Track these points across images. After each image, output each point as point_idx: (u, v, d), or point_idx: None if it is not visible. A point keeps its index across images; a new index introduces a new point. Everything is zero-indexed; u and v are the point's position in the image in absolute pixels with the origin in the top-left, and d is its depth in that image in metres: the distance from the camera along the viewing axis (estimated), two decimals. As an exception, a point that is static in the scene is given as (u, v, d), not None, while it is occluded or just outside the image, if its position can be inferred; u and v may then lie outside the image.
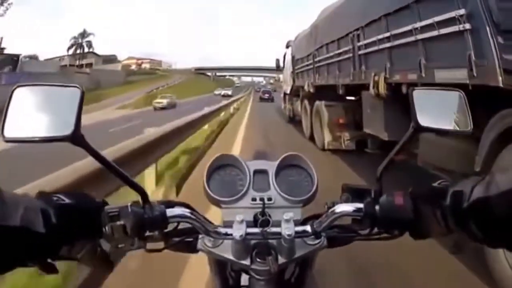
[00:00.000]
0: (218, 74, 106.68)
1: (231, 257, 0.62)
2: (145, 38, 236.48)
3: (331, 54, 6.33)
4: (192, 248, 0.65)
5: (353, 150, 6.18)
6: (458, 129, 0.59)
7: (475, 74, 2.55)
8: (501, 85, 2.30)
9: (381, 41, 4.25)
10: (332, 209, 0.60)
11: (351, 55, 5.31)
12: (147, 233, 0.56)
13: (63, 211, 0.47)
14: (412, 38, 3.50)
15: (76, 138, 0.46)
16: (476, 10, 2.54)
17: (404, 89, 3.75)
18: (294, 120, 11.16)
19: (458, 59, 2.73)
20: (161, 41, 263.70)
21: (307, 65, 8.22)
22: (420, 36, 3.36)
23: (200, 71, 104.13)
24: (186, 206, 0.61)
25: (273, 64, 13.02)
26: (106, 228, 0.52)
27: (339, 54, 5.89)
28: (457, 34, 2.78)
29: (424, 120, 0.55)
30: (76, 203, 0.50)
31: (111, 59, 73.43)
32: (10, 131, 0.47)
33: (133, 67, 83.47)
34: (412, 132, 0.57)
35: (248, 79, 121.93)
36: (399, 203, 0.55)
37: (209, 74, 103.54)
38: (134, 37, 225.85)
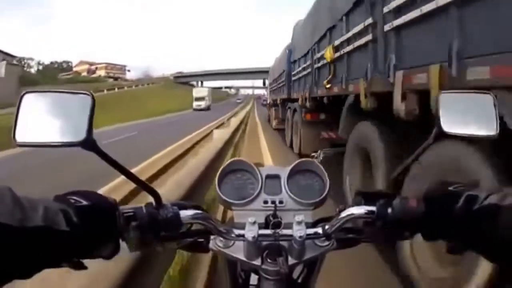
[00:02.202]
0: (210, 85, 76.59)
1: (242, 257, 0.63)
2: (113, 44, 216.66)
3: (276, 83, 13.05)
4: (204, 248, 0.67)
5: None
6: (483, 134, 0.58)
7: (286, 96, 9.25)
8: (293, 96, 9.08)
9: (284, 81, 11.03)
10: (344, 211, 0.62)
11: (279, 86, 12.05)
12: (162, 234, 0.58)
13: (82, 211, 0.48)
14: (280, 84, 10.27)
15: (89, 143, 0.47)
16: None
17: (278, 101, 10.65)
18: (270, 121, 18.15)
19: (285, 91, 9.49)
20: (138, 46, 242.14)
21: (270, 87, 15.07)
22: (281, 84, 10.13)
23: (180, 80, 78.83)
24: (198, 207, 0.63)
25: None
26: (122, 228, 0.54)
27: (277, 85, 12.63)
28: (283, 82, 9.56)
29: (448, 125, 0.55)
30: (92, 204, 0.51)
31: (54, 67, 61.87)
32: (22, 136, 0.49)
33: (84, 74, 68.89)
34: (433, 139, 0.56)
35: (249, 91, 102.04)
36: (412, 205, 0.57)
37: (193, 83, 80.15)
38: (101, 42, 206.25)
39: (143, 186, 0.56)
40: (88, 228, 0.48)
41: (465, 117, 0.58)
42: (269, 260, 0.61)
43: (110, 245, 0.53)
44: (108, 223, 0.52)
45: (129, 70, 78.17)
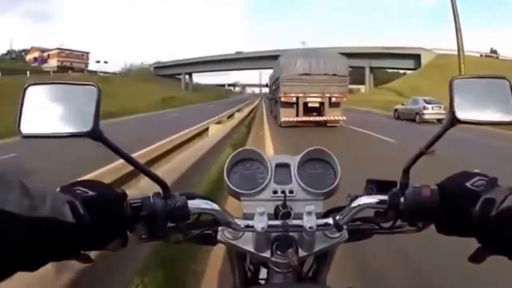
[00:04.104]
0: (206, 81, 60.61)
1: (251, 249, 0.62)
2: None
3: (271, 88, 25.75)
4: (211, 240, 0.65)
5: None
6: (499, 119, 0.54)
7: (272, 96, 22.58)
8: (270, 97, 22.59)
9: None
10: (354, 201, 0.60)
11: (270, 91, 25.07)
12: (169, 224, 0.57)
13: (88, 202, 0.48)
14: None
15: (96, 133, 0.47)
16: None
17: (271, 98, 24.12)
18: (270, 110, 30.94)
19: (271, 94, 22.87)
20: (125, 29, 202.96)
21: (269, 89, 27.84)
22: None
23: (162, 72, 60.89)
24: (207, 198, 0.61)
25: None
26: (130, 219, 0.53)
27: (270, 89, 25.59)
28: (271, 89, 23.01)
29: (462, 111, 0.52)
30: (99, 194, 0.50)
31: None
32: (27, 127, 0.48)
33: (36, 63, 55.90)
34: (448, 126, 0.53)
35: (256, 89, 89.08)
36: (425, 194, 0.55)
37: (180, 76, 61.23)
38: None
39: (151, 176, 0.54)
40: (95, 219, 0.48)
41: (479, 103, 0.54)
42: (278, 252, 0.60)
43: (118, 237, 0.52)
44: (115, 214, 0.51)
45: (98, 61, 61.45)
